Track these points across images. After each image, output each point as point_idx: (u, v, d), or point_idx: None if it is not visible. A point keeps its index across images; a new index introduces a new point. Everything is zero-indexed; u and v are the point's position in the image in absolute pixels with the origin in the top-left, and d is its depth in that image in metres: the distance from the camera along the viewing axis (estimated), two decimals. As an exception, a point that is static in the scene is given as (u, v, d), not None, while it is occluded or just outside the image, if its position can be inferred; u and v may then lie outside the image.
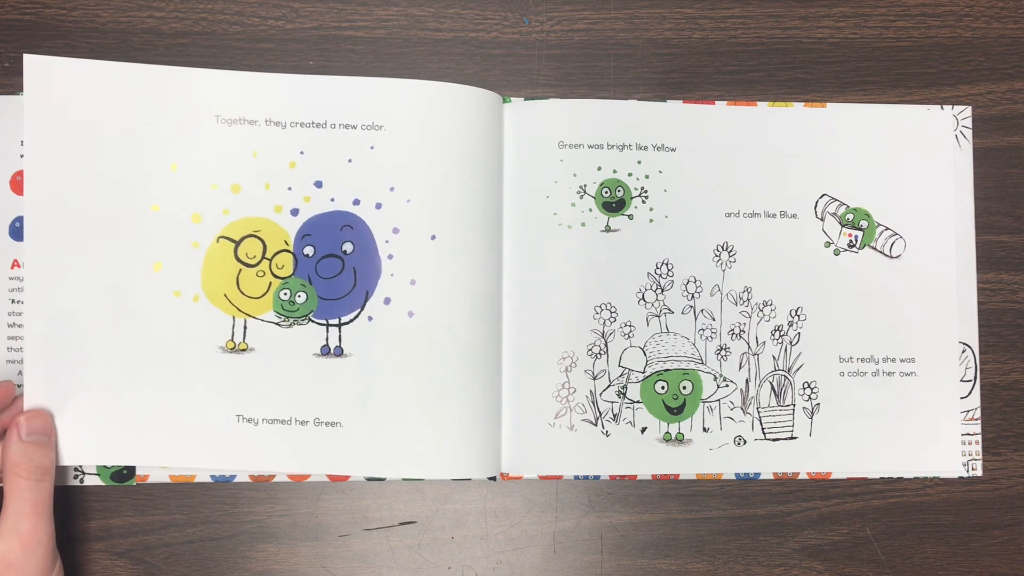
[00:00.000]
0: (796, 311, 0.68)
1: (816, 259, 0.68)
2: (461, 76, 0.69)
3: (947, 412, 0.68)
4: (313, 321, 0.64)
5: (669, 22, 0.70)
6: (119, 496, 0.65)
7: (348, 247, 0.64)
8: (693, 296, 0.67)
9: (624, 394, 0.66)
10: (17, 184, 0.65)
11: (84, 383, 0.62)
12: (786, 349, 0.68)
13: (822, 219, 0.68)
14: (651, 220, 0.68)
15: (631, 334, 0.67)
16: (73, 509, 0.65)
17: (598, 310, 0.67)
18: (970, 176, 0.69)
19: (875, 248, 0.68)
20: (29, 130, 0.62)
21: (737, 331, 0.67)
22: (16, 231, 0.65)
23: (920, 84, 0.70)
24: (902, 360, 0.68)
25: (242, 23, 0.68)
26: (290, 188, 0.64)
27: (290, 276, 0.64)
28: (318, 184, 0.64)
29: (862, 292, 0.68)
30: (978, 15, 0.71)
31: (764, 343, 0.68)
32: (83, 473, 0.64)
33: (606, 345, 0.67)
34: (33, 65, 0.62)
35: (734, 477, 0.67)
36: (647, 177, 0.68)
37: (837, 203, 0.68)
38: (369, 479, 0.65)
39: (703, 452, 0.67)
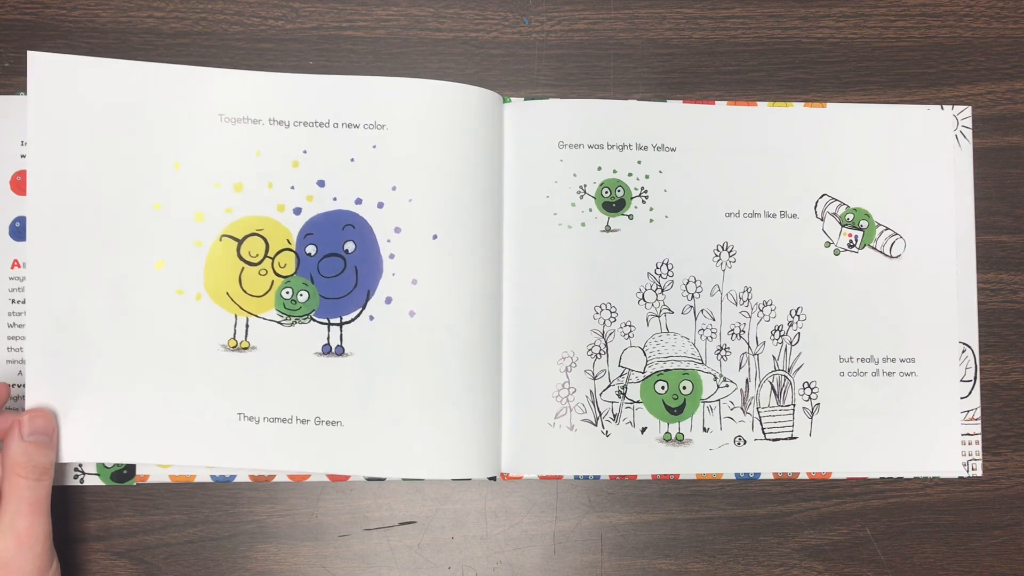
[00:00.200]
0: (796, 311, 0.68)
1: (816, 259, 0.68)
2: (461, 76, 0.69)
3: (947, 412, 0.68)
4: (315, 320, 0.64)
5: (669, 22, 0.70)
6: (119, 496, 0.65)
7: (350, 246, 0.64)
8: (693, 296, 0.67)
9: (624, 394, 0.66)
10: (17, 184, 0.65)
11: (86, 381, 0.62)
12: (786, 349, 0.68)
13: (822, 219, 0.68)
14: (651, 220, 0.68)
15: (631, 334, 0.67)
16: (73, 509, 0.65)
17: (598, 310, 0.67)
18: (970, 176, 0.69)
19: (875, 248, 0.68)
20: (32, 127, 0.62)
21: (737, 331, 0.68)
22: (16, 231, 0.65)
23: (920, 84, 0.70)
24: (902, 360, 0.68)
25: (242, 23, 0.68)
26: (293, 187, 0.64)
27: (292, 275, 0.64)
28: (320, 183, 0.65)
29: (862, 292, 0.68)
30: (978, 15, 0.71)
31: (764, 343, 0.68)
32: (83, 473, 0.64)
33: (606, 345, 0.67)
34: (37, 62, 0.62)
35: (734, 477, 0.67)
36: (647, 177, 0.68)
37: (837, 203, 0.68)
38: (369, 479, 0.65)
39: (703, 452, 0.67)
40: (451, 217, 0.64)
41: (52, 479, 0.59)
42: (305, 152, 0.65)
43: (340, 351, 0.64)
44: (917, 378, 0.68)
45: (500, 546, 0.66)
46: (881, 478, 0.68)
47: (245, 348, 0.64)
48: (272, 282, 0.64)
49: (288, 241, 0.64)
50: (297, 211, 0.64)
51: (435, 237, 0.64)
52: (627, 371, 0.67)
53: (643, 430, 0.66)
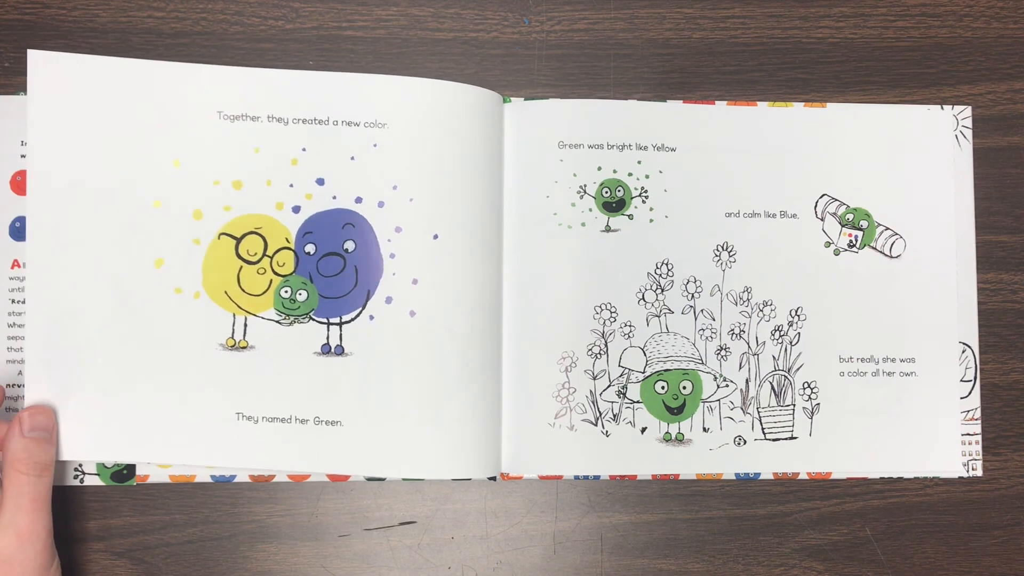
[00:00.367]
0: (796, 311, 0.68)
1: (816, 259, 0.68)
2: (461, 76, 0.69)
3: (947, 412, 0.68)
4: (314, 319, 0.64)
5: (669, 22, 0.70)
6: (119, 496, 0.65)
7: (350, 245, 0.64)
8: (693, 296, 0.67)
9: (624, 394, 0.66)
10: (17, 184, 0.65)
11: (84, 380, 0.62)
12: (786, 349, 0.68)
13: (822, 219, 0.68)
14: (651, 220, 0.68)
15: (631, 334, 0.67)
16: (73, 509, 0.65)
17: (598, 310, 0.67)
18: (970, 176, 0.69)
19: (875, 248, 0.68)
20: (32, 126, 0.62)
21: (737, 331, 0.68)
22: (16, 231, 0.65)
23: (920, 84, 0.70)
24: (902, 360, 0.68)
25: (242, 23, 0.68)
26: (292, 185, 0.64)
27: (291, 274, 0.64)
28: (320, 181, 0.64)
29: (862, 292, 0.68)
30: (978, 15, 0.71)
31: (764, 343, 0.68)
32: (83, 473, 0.64)
33: (606, 345, 0.67)
34: (37, 61, 0.63)
35: (734, 477, 0.67)
36: (647, 177, 0.68)
37: (837, 203, 0.68)
38: (369, 479, 0.65)
39: (703, 452, 0.67)
40: (452, 217, 0.64)
41: (53, 476, 0.59)
42: (304, 150, 0.65)
43: (340, 351, 0.64)
44: (917, 378, 0.68)
45: (500, 546, 0.66)
46: (881, 478, 0.68)
47: (244, 347, 0.64)
48: (271, 281, 0.64)
49: (287, 240, 0.64)
50: (296, 209, 0.64)
51: (436, 237, 0.64)
52: (627, 371, 0.67)
53: (643, 430, 0.66)
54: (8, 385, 0.64)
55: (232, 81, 0.65)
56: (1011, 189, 0.70)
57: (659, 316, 0.67)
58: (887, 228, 0.68)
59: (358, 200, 0.64)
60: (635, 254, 0.67)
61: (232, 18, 0.68)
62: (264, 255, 0.64)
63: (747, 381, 0.67)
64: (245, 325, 0.64)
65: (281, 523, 0.66)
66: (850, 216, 0.68)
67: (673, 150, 0.68)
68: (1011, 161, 0.70)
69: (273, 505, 0.66)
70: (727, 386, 0.67)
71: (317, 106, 0.65)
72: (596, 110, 0.68)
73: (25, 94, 0.66)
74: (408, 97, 0.65)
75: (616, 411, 0.66)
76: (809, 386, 0.67)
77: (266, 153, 0.64)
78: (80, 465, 0.64)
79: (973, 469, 0.68)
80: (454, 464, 0.63)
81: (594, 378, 0.66)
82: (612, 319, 0.67)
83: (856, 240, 0.68)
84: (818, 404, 0.67)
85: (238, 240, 0.64)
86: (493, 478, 0.65)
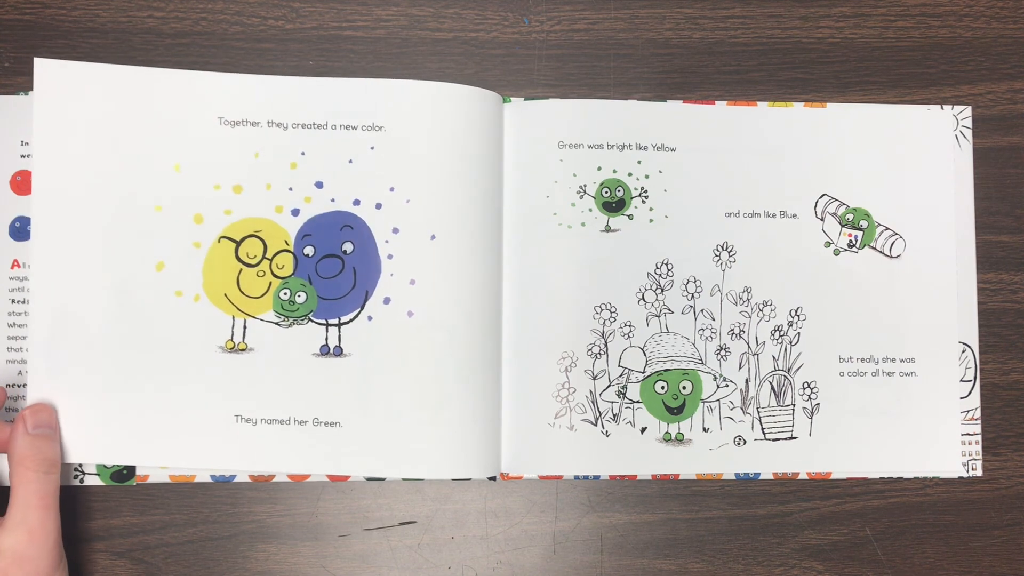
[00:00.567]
0: (796, 311, 0.68)
1: (816, 259, 0.68)
2: (461, 76, 0.69)
3: (947, 412, 0.68)
4: (313, 321, 0.64)
5: (669, 22, 0.70)
6: (119, 496, 0.65)
7: (348, 247, 0.64)
8: (693, 296, 0.67)
9: (624, 394, 0.66)
10: (17, 184, 0.65)
11: (85, 381, 0.63)
12: (786, 349, 0.68)
13: (822, 219, 0.68)
14: (651, 220, 0.68)
15: (631, 334, 0.67)
16: (73, 509, 0.65)
17: (598, 310, 0.67)
18: (970, 176, 0.69)
19: (875, 248, 0.68)
20: (38, 132, 0.63)
21: (737, 331, 0.67)
22: (16, 231, 0.65)
23: (920, 84, 0.70)
24: (902, 360, 0.68)
25: (242, 23, 0.68)
26: (291, 188, 0.65)
27: (290, 276, 0.64)
28: (319, 184, 0.65)
29: (862, 292, 0.68)
30: (978, 15, 0.71)
31: (764, 343, 0.68)
32: (83, 473, 0.64)
33: (606, 345, 0.67)
34: (43, 68, 0.63)
35: (734, 477, 0.67)
36: (647, 177, 0.68)
37: (837, 203, 0.68)
38: (369, 479, 0.65)
39: (703, 452, 0.67)
40: (449, 217, 0.64)
41: (59, 474, 0.59)
42: (303, 154, 0.65)
43: (338, 352, 0.64)
44: (917, 378, 0.68)
45: (500, 546, 0.67)
46: (881, 478, 0.68)
47: (243, 349, 0.64)
48: (270, 283, 0.64)
49: (286, 242, 0.65)
50: (295, 212, 0.65)
51: (433, 237, 0.64)
52: (627, 371, 0.67)
53: (643, 430, 0.66)
54: (8, 385, 0.64)
55: (233, 87, 0.65)
56: (1011, 189, 0.70)
57: (659, 316, 0.67)
58: (887, 228, 0.68)
59: (356, 202, 0.65)
60: (635, 254, 0.67)
61: (232, 18, 0.68)
62: (264, 258, 0.64)
63: (747, 381, 0.67)
64: (244, 327, 0.64)
65: (281, 523, 0.66)
66: (850, 216, 0.68)
67: (673, 150, 0.68)
68: (1011, 161, 0.70)
69: (273, 505, 0.66)
70: (727, 386, 0.67)
71: (316, 111, 0.65)
72: (596, 110, 0.68)
73: (26, 94, 0.66)
74: (404, 100, 0.65)
75: (616, 411, 0.66)
76: (809, 386, 0.67)
77: (266, 157, 0.65)
78: (80, 465, 0.64)
79: (973, 469, 0.68)
80: (454, 464, 0.63)
81: (594, 378, 0.66)
82: (612, 319, 0.67)
83: (856, 240, 0.68)
84: (818, 404, 0.67)
85: (238, 243, 0.64)
86: (493, 478, 0.65)
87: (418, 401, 0.63)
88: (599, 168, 0.67)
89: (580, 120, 0.68)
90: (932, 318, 0.68)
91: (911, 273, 0.68)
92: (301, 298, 0.64)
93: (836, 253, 0.68)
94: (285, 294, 0.64)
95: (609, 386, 0.66)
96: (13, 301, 0.65)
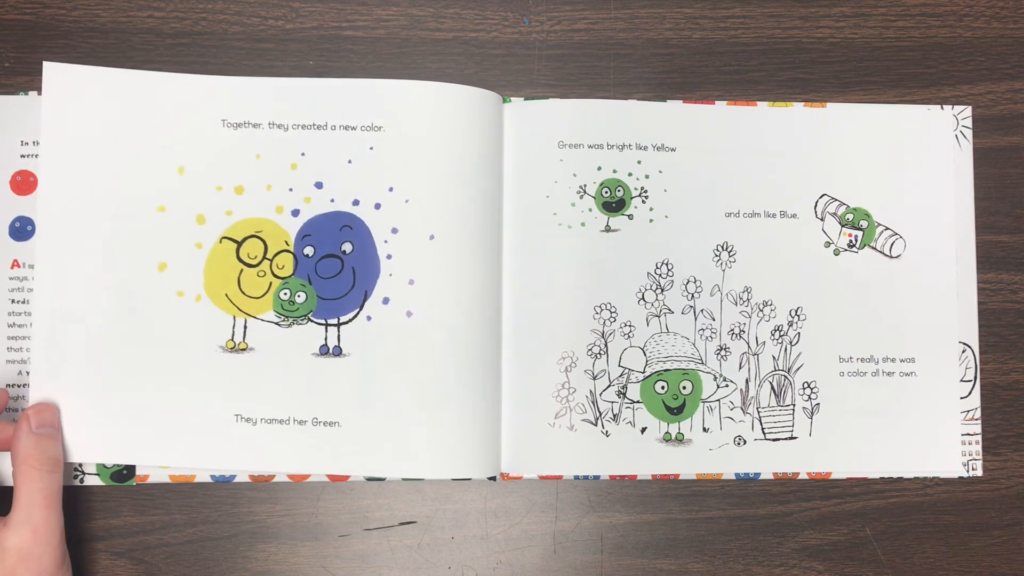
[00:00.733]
0: (796, 311, 0.68)
1: (816, 259, 0.68)
2: (461, 76, 0.69)
3: (947, 412, 0.68)
4: (312, 321, 0.64)
5: (669, 22, 0.70)
6: (119, 496, 0.65)
7: (347, 247, 0.65)
8: (693, 296, 0.67)
9: (624, 394, 0.66)
10: (17, 184, 0.65)
11: (86, 381, 0.63)
12: (786, 349, 0.68)
13: (822, 219, 0.68)
14: (651, 220, 0.68)
15: (631, 334, 0.67)
16: (73, 509, 0.65)
17: (598, 310, 0.67)
18: (970, 176, 0.69)
19: (875, 248, 0.68)
20: (45, 134, 0.64)
21: (737, 331, 0.67)
22: (16, 231, 0.65)
23: (920, 84, 0.70)
24: (902, 360, 0.68)
25: (242, 23, 0.68)
26: (291, 189, 0.65)
27: (290, 276, 0.65)
28: (318, 185, 0.65)
29: (862, 292, 0.68)
30: (978, 15, 0.71)
31: (764, 343, 0.68)
32: (83, 473, 0.64)
33: (606, 345, 0.67)
34: (52, 72, 0.64)
35: (734, 477, 0.67)
36: (647, 177, 0.68)
37: (837, 203, 0.68)
38: (369, 479, 0.65)
39: (703, 452, 0.67)
40: (448, 217, 0.64)
41: (62, 473, 0.59)
42: (303, 154, 0.65)
43: (338, 352, 0.64)
44: (917, 378, 0.68)
45: (500, 546, 0.67)
46: (881, 478, 0.68)
47: (243, 349, 0.64)
48: (270, 283, 0.64)
49: (286, 243, 0.65)
50: (295, 213, 0.65)
51: (432, 237, 0.64)
52: (627, 371, 0.67)
53: (643, 430, 0.66)
54: (9, 385, 0.64)
55: (235, 90, 0.66)
56: (1011, 189, 0.70)
57: (659, 316, 0.67)
58: (887, 228, 0.68)
59: (355, 203, 0.65)
60: (635, 254, 0.67)
61: (232, 18, 0.68)
62: (264, 258, 0.65)
63: (747, 381, 0.67)
64: (245, 327, 0.64)
65: (281, 523, 0.66)
66: (850, 216, 0.68)
67: (673, 150, 0.68)
68: (1011, 161, 0.70)
69: (273, 505, 0.66)
70: (727, 386, 0.67)
71: (316, 111, 0.65)
72: (596, 110, 0.68)
73: (26, 94, 0.66)
74: (403, 100, 0.65)
75: (616, 411, 0.66)
76: (809, 386, 0.67)
77: (267, 159, 0.65)
78: (80, 465, 0.64)
79: (973, 469, 0.68)
80: (454, 464, 0.63)
81: (594, 378, 0.66)
82: (612, 319, 0.67)
83: (856, 240, 0.68)
84: (818, 404, 0.67)
85: (239, 244, 0.65)
86: (493, 478, 0.65)
87: (418, 401, 0.63)
88: (599, 168, 0.67)
89: (580, 120, 0.68)
90: (932, 318, 0.68)
91: (911, 273, 0.68)
92: (301, 298, 0.64)
93: (836, 253, 0.68)
94: (285, 294, 0.64)
95: (609, 386, 0.66)
96: (13, 301, 0.65)
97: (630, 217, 0.67)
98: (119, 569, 0.65)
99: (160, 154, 0.65)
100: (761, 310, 0.68)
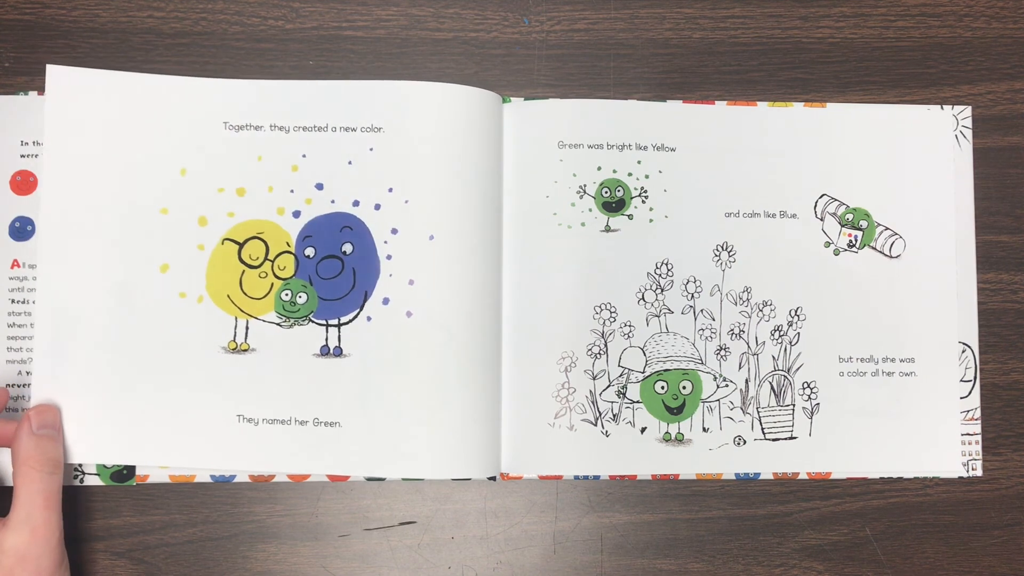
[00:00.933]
0: (796, 311, 0.68)
1: (816, 259, 0.68)
2: (461, 76, 0.69)
3: (947, 412, 0.68)
4: (313, 321, 0.64)
5: (669, 22, 0.70)
6: (119, 496, 0.65)
7: (348, 248, 0.65)
8: (693, 296, 0.67)
9: (624, 394, 0.66)
10: (17, 184, 0.65)
11: (88, 382, 0.63)
12: (786, 349, 0.68)
13: (822, 219, 0.68)
14: (651, 220, 0.68)
15: (631, 334, 0.67)
16: (73, 509, 0.65)
17: (598, 310, 0.67)
18: (970, 176, 0.69)
19: (875, 248, 0.68)
20: (49, 136, 0.64)
21: (737, 331, 0.68)
22: (16, 231, 0.65)
23: (920, 84, 0.70)
24: (902, 360, 0.68)
25: (242, 23, 0.68)
26: (292, 190, 0.65)
27: (291, 277, 0.65)
28: (319, 186, 0.65)
29: (862, 292, 0.68)
30: (978, 15, 0.71)
31: (764, 343, 0.68)
32: (83, 473, 0.64)
33: (606, 345, 0.67)
34: (55, 75, 0.64)
35: (734, 477, 0.67)
36: (647, 177, 0.68)
37: (837, 203, 0.68)
38: (369, 479, 0.65)
39: (703, 452, 0.67)
40: (448, 218, 0.64)
41: (62, 475, 0.60)
42: (304, 156, 0.65)
43: (338, 352, 0.64)
44: (917, 378, 0.68)
45: (500, 546, 0.67)
46: (881, 478, 0.68)
47: (245, 350, 0.64)
48: (272, 284, 0.65)
49: (287, 244, 0.65)
50: (296, 214, 0.65)
51: (432, 238, 0.64)
52: (627, 371, 0.67)
53: (643, 430, 0.66)
54: (8, 385, 0.64)
55: (237, 92, 0.66)
56: (1011, 189, 0.70)
57: (659, 316, 0.67)
58: (887, 228, 0.68)
59: (355, 203, 0.65)
60: (635, 254, 0.67)
61: (232, 18, 0.68)
62: (265, 259, 0.65)
63: (747, 381, 0.67)
64: (247, 328, 0.64)
65: (281, 523, 0.66)
66: (850, 216, 0.68)
67: (673, 150, 0.68)
68: (1011, 161, 0.70)
69: (273, 505, 0.66)
70: (727, 386, 0.67)
71: (317, 113, 0.66)
72: (596, 110, 0.68)
73: (25, 94, 0.66)
74: (403, 101, 0.65)
75: (616, 411, 0.66)
76: (809, 386, 0.67)
77: (268, 160, 0.65)
78: (80, 465, 0.64)
79: (973, 469, 0.68)
80: (454, 464, 0.64)
81: (594, 378, 0.66)
82: (612, 319, 0.67)
83: (856, 240, 0.68)
84: (818, 404, 0.67)
85: (241, 245, 0.65)
86: (493, 478, 0.65)
87: (418, 401, 0.64)
88: (599, 168, 0.67)
89: (580, 120, 0.68)
90: (932, 318, 0.68)
91: (911, 273, 0.68)
92: (302, 299, 0.64)
93: (836, 253, 0.68)
94: (286, 295, 0.64)
95: (609, 386, 0.66)
96: (13, 301, 0.65)
97: (630, 217, 0.67)
98: (119, 569, 0.65)
99: (163, 156, 0.65)
100: (761, 310, 0.68)
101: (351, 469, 0.64)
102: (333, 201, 0.65)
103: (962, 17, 0.71)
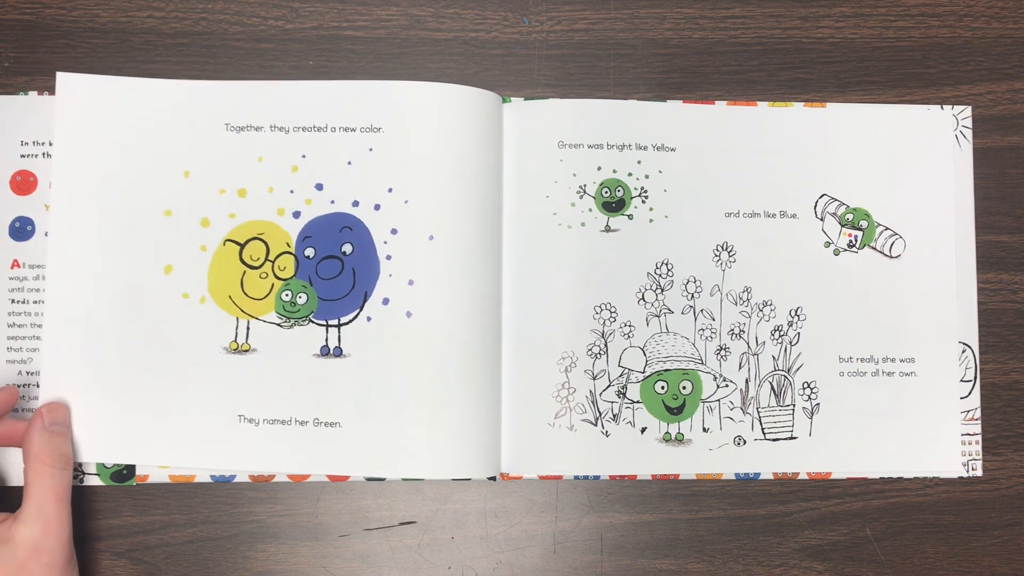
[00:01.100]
0: (796, 311, 0.68)
1: (816, 259, 0.68)
2: (461, 76, 0.69)
3: (947, 412, 0.68)
4: (313, 322, 0.64)
5: (669, 22, 0.70)
6: (119, 496, 0.65)
7: (347, 248, 0.65)
8: (693, 296, 0.67)
9: (624, 394, 0.66)
10: (17, 184, 0.65)
11: (94, 381, 0.63)
12: (786, 349, 0.68)
13: (822, 219, 0.68)
14: (651, 220, 0.68)
15: (631, 334, 0.67)
16: (73, 509, 0.64)
17: (598, 310, 0.67)
18: (970, 176, 0.69)
19: (875, 248, 0.68)
20: (58, 142, 0.65)
21: (737, 331, 0.67)
22: (16, 231, 0.65)
23: (920, 84, 0.70)
24: (902, 360, 0.68)
25: (242, 23, 0.68)
26: (292, 191, 0.65)
27: (291, 277, 0.65)
28: (319, 187, 0.65)
29: (862, 292, 0.68)
30: (978, 15, 0.71)
31: (764, 343, 0.68)
32: (83, 473, 0.64)
33: (606, 345, 0.67)
34: (65, 82, 0.65)
35: (734, 477, 0.67)
36: (647, 177, 0.68)
37: (837, 203, 0.68)
38: (369, 479, 0.65)
39: (703, 452, 0.67)
40: (448, 218, 0.64)
41: (72, 471, 0.60)
42: (304, 156, 0.65)
43: (338, 352, 0.64)
44: (917, 378, 0.68)
45: (500, 546, 0.67)
46: (881, 478, 0.68)
47: (246, 350, 0.64)
48: (272, 285, 0.65)
49: (288, 244, 0.65)
50: (296, 214, 0.65)
51: (431, 238, 0.64)
52: (627, 371, 0.67)
53: (643, 430, 0.66)
54: (9, 385, 0.64)
55: (238, 94, 0.66)
56: (1011, 189, 0.70)
57: (659, 316, 0.67)
58: (887, 228, 0.68)
59: (355, 204, 0.65)
60: (635, 254, 0.67)
61: (232, 18, 0.68)
62: (266, 260, 0.65)
63: (747, 381, 0.67)
64: (248, 328, 0.64)
65: (281, 523, 0.66)
66: (850, 216, 0.68)
67: (673, 150, 0.68)
68: (1011, 161, 0.70)
69: (273, 505, 0.66)
70: (727, 386, 0.67)
71: (316, 114, 0.66)
72: (596, 110, 0.68)
73: (25, 94, 0.66)
74: (402, 101, 0.65)
75: (616, 411, 0.66)
76: (809, 386, 0.67)
77: (269, 161, 0.65)
78: (80, 465, 0.64)
79: (973, 469, 0.68)
80: (454, 464, 0.64)
81: (594, 378, 0.66)
82: (612, 319, 0.67)
83: (856, 240, 0.68)
84: (818, 404, 0.67)
85: (242, 246, 0.65)
86: (493, 478, 0.65)
87: (418, 401, 0.64)
88: (599, 168, 0.67)
89: (580, 120, 0.68)
90: (932, 318, 0.68)
91: (911, 273, 0.68)
92: (302, 299, 0.64)
93: (836, 253, 0.68)
94: (287, 295, 0.64)
95: (609, 386, 0.66)
96: (13, 301, 0.65)
97: (630, 217, 0.67)
98: (119, 569, 0.65)
99: (167, 159, 0.65)
100: (761, 310, 0.68)
101: (351, 469, 0.64)
102: (333, 201, 0.65)
103: (962, 17, 0.71)
